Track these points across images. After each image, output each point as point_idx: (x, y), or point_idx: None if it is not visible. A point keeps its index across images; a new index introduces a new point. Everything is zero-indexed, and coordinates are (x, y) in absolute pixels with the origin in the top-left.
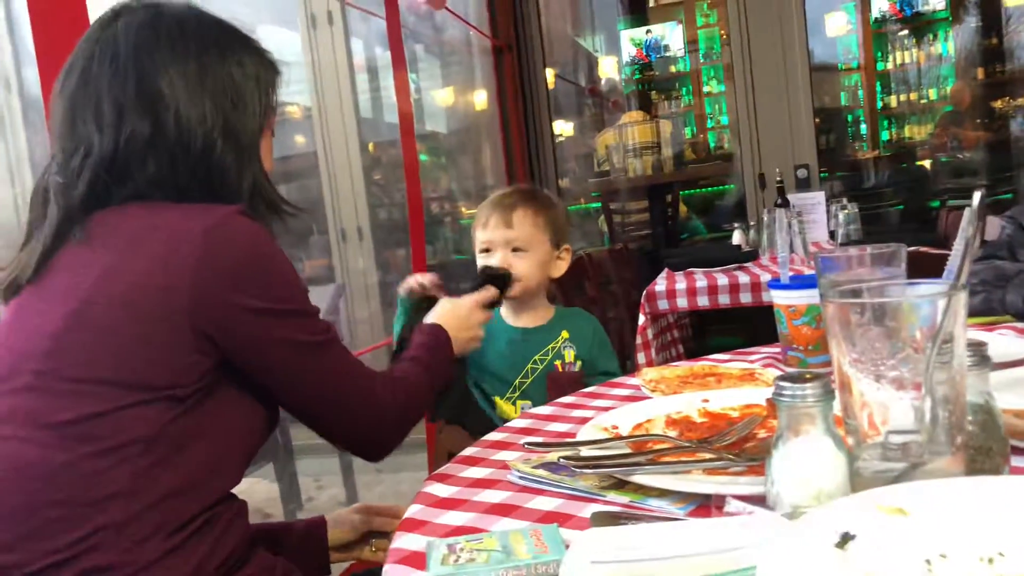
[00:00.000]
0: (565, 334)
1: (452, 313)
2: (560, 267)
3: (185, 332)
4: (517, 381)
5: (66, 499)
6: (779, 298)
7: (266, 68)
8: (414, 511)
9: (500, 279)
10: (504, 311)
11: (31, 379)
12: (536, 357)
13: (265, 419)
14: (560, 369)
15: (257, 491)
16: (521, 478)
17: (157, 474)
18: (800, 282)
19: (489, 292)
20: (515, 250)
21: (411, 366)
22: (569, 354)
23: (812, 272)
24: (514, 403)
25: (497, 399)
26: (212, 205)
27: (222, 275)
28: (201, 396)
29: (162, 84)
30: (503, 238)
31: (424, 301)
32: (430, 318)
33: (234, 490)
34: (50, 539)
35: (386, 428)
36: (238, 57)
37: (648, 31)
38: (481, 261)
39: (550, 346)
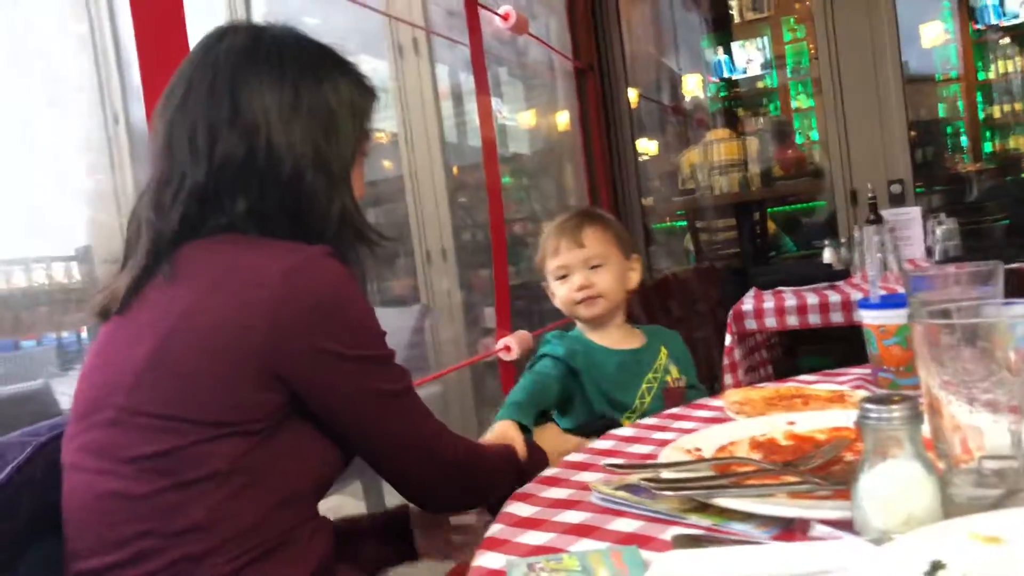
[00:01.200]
0: (665, 351)
1: (556, 448)
2: (634, 278)
3: (261, 373)
4: (636, 402)
5: (147, 530)
6: (868, 318)
7: (362, 94)
8: (495, 530)
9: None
10: (592, 335)
11: (114, 414)
12: (648, 376)
13: (338, 453)
14: (672, 385)
15: (345, 508)
16: (602, 499)
17: (232, 507)
18: (890, 301)
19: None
20: (592, 267)
21: (500, 452)
22: (674, 370)
23: (904, 291)
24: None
25: (624, 421)
26: (296, 245)
27: (299, 318)
28: (273, 429)
29: (256, 109)
30: (578, 259)
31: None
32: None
33: (321, 509)
34: (132, 568)
35: (441, 481)
36: (334, 83)
37: (743, 45)
38: (558, 288)
39: (656, 364)
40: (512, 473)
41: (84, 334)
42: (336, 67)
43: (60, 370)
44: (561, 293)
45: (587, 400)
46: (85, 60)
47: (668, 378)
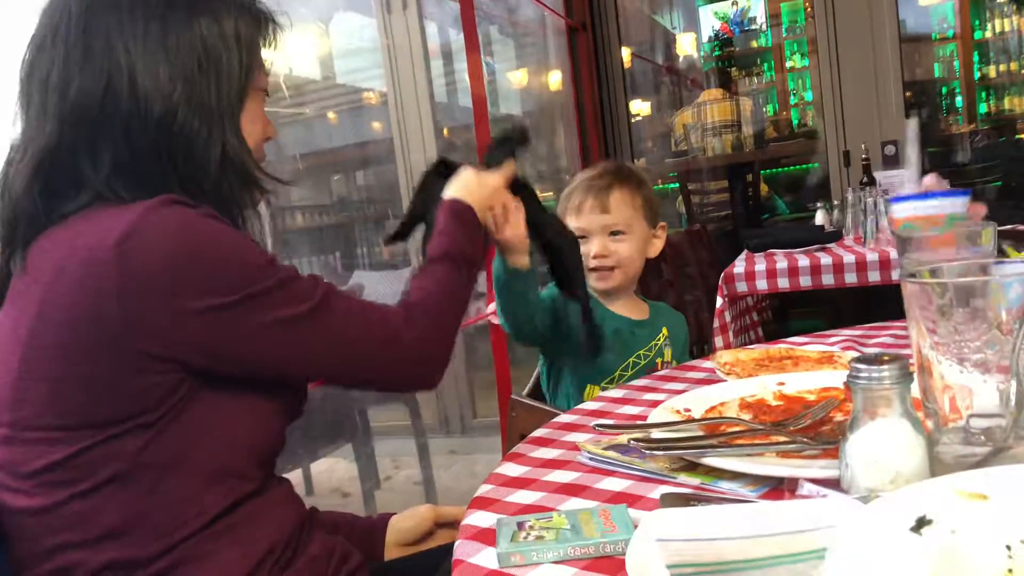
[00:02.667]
0: (665, 331)
1: (477, 185)
2: (657, 246)
3: (130, 359)
4: (617, 373)
5: (64, 543)
6: (919, 209)
7: (250, 22)
8: (485, 490)
9: (511, 141)
10: (603, 298)
11: (6, 431)
12: (641, 351)
13: (263, 420)
14: (660, 368)
15: (336, 470)
16: (591, 459)
17: (148, 504)
18: (932, 194)
19: (511, 167)
20: (613, 233)
21: (434, 272)
22: (667, 352)
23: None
24: None
25: (591, 386)
26: (128, 206)
27: (150, 286)
28: (174, 414)
29: (114, 50)
30: (600, 223)
31: (442, 166)
32: (451, 191)
33: (315, 469)
34: None
35: (421, 361)
36: (212, 14)
37: (734, 3)
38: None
39: (653, 342)
40: (476, 243)
41: None
42: None
43: None
44: (584, 250)
45: (572, 347)
46: None
47: (659, 360)
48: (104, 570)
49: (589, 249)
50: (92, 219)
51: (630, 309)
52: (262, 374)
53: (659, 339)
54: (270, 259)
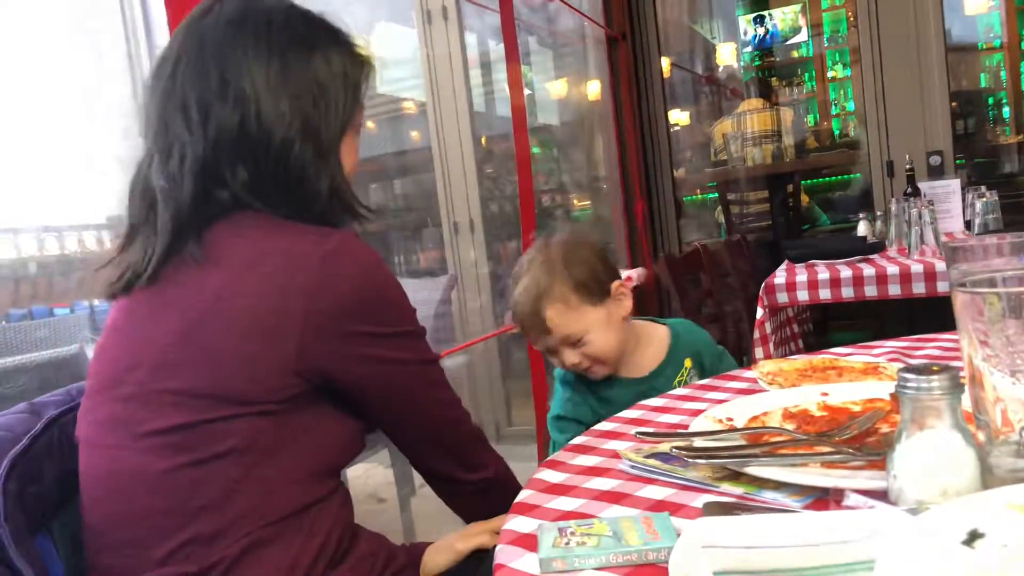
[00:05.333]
0: (688, 363)
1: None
2: (625, 304)
3: (291, 355)
4: None
5: (165, 508)
6: None
7: (355, 64)
8: (525, 495)
9: None
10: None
11: (134, 389)
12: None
13: (356, 433)
14: None
15: (373, 476)
16: (632, 467)
17: (245, 486)
18: None
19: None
20: (573, 345)
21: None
22: (696, 378)
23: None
24: None
25: None
26: (326, 229)
27: (337, 303)
28: (291, 410)
29: (243, 82)
30: (554, 342)
31: None
32: None
33: (350, 475)
34: (148, 548)
35: (454, 451)
36: (326, 54)
37: (770, 15)
38: (552, 359)
39: (678, 379)
40: (510, 488)
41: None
42: (328, 37)
43: (93, 336)
44: (558, 363)
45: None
46: (116, 28)
47: None
48: (189, 543)
49: (563, 361)
50: (276, 228)
51: (641, 361)
52: (362, 395)
53: (683, 374)
54: (414, 311)
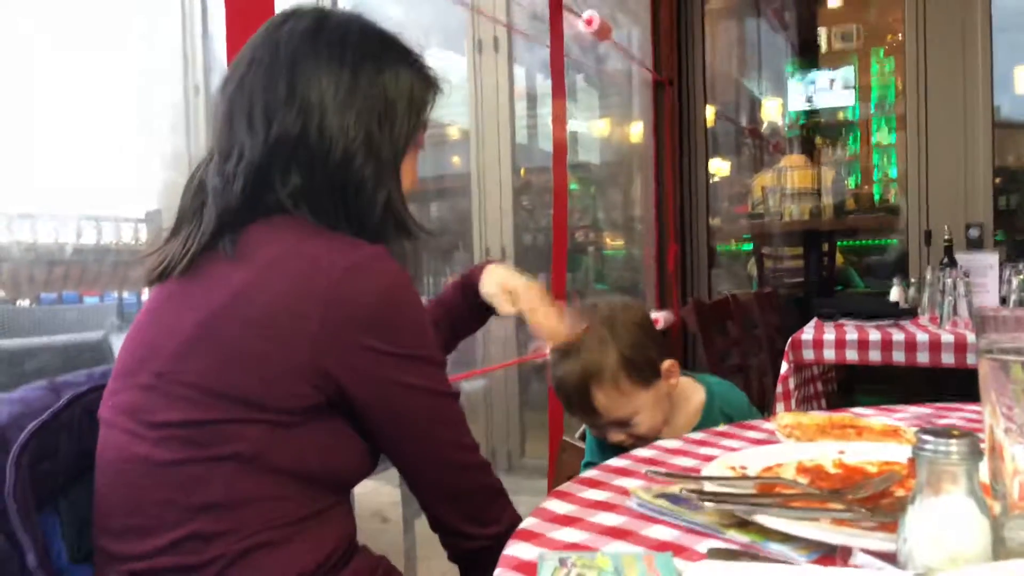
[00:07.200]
0: (723, 423)
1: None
2: (673, 383)
3: (304, 361)
4: None
5: (167, 500)
6: None
7: (423, 86)
8: (530, 523)
9: None
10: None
11: (151, 378)
12: None
13: (366, 456)
14: None
15: (380, 494)
16: (640, 505)
17: (250, 490)
18: None
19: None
20: (621, 425)
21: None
22: None
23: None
24: None
25: None
26: (358, 241)
27: (354, 313)
28: (303, 423)
29: (311, 92)
30: (602, 422)
31: None
32: None
33: (358, 491)
34: (149, 537)
35: (456, 494)
36: (395, 72)
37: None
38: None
39: None
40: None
41: (145, 295)
42: (399, 56)
43: (120, 324)
44: (598, 435)
45: None
46: (173, 31)
47: None
48: (188, 539)
49: (602, 436)
50: (312, 233)
51: (675, 423)
52: (370, 417)
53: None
54: (434, 339)
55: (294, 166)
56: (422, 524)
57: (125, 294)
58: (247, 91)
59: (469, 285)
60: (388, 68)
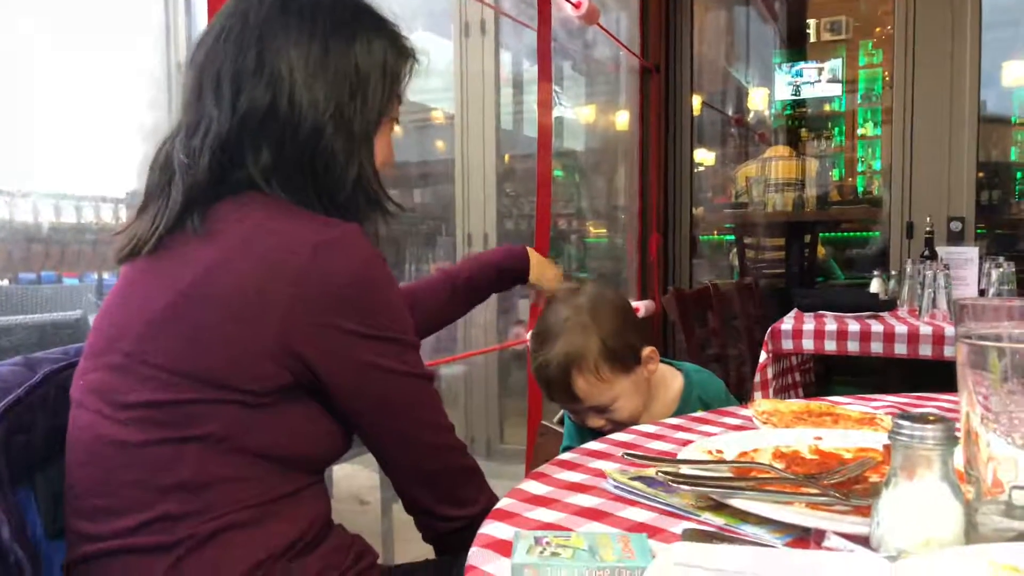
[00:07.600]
0: (701, 411)
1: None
2: (652, 369)
3: (272, 342)
4: None
5: (136, 480)
6: None
7: (397, 56)
8: (506, 503)
9: None
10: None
11: (120, 358)
12: None
13: (339, 437)
14: None
15: (357, 478)
16: (616, 487)
17: (219, 472)
18: None
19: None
20: (601, 411)
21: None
22: None
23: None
24: None
25: None
26: (330, 220)
27: (324, 293)
28: (274, 404)
29: (280, 63)
30: (582, 408)
31: None
32: None
33: (337, 474)
34: (119, 517)
35: (431, 477)
36: (367, 42)
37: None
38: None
39: None
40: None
41: None
42: (372, 25)
43: (98, 303)
44: (578, 421)
45: None
46: (155, 7)
47: None
48: (158, 519)
49: (590, 423)
50: (282, 211)
51: (653, 410)
52: (343, 398)
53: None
54: (409, 320)
55: (263, 140)
56: (400, 507)
57: (105, 274)
58: (216, 62)
59: (512, 270)
60: (360, 38)
